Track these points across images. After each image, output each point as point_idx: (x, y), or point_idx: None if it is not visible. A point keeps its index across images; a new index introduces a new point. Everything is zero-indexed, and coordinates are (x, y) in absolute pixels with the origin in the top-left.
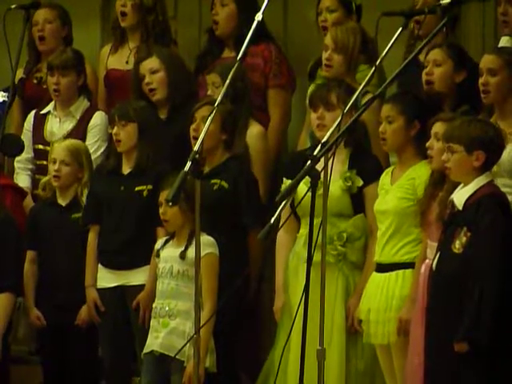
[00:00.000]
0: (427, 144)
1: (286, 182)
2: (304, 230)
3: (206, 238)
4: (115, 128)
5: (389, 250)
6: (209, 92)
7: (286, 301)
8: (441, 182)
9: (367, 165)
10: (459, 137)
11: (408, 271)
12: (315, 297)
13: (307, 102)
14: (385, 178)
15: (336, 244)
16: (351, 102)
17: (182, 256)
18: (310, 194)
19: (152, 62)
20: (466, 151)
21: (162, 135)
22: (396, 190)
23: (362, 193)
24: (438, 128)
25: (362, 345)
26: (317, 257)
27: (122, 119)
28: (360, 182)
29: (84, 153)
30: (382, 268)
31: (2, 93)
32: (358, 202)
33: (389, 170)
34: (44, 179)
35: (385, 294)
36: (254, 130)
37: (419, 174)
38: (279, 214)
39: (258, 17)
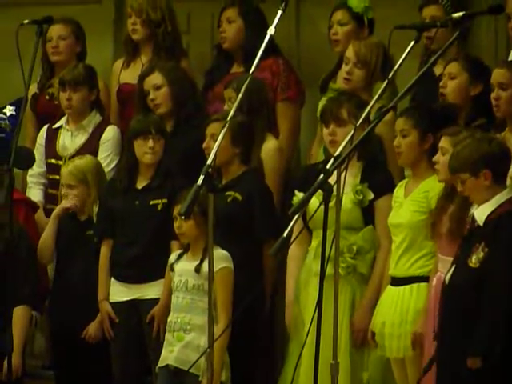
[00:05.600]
0: (433, 158)
1: (298, 195)
2: (315, 243)
3: (220, 252)
4: (150, 141)
5: (403, 264)
6: (225, 107)
7: (297, 314)
8: (452, 195)
9: (378, 178)
10: (460, 167)
11: (422, 285)
12: (325, 310)
13: (318, 115)
14: (398, 191)
15: (346, 256)
16: (363, 115)
17: (198, 270)
18: (321, 207)
19: (155, 78)
20: (473, 176)
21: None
22: (410, 203)
23: (373, 206)
24: (442, 142)
25: (367, 358)
26: (328, 270)
27: (158, 133)
28: (371, 196)
29: (90, 171)
30: (397, 281)
31: (10, 107)
32: (369, 215)
33: (402, 183)
34: None
35: (399, 308)
36: (269, 144)
37: (433, 186)
38: (291, 228)
39: (271, 31)
